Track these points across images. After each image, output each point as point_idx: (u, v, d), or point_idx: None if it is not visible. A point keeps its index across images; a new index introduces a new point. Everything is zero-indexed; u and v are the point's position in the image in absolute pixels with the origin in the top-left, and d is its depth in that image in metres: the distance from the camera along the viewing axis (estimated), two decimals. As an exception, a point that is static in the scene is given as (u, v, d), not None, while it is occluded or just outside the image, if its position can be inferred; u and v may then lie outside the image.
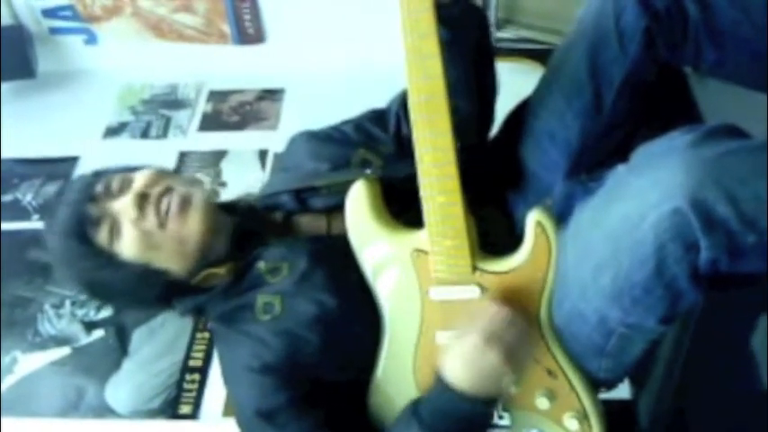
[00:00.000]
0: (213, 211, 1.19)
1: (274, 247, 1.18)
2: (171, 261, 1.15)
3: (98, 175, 1.20)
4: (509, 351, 1.03)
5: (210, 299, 1.18)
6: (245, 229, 1.20)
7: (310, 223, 1.24)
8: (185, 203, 1.15)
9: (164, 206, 1.14)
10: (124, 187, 1.16)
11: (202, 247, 1.16)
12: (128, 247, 1.14)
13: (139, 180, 1.17)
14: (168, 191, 1.15)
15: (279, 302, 1.14)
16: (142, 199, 1.14)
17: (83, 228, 1.14)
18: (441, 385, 1.05)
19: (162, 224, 1.14)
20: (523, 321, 1.06)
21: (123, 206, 1.14)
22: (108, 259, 1.14)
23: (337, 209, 1.15)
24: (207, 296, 1.18)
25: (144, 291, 1.18)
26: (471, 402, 1.04)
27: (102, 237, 1.14)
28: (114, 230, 1.14)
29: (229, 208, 1.25)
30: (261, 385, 1.11)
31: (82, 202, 1.15)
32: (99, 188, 1.16)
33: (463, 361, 1.04)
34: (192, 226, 1.15)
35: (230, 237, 1.18)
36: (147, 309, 1.33)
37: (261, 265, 1.16)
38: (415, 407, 1.10)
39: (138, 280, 1.15)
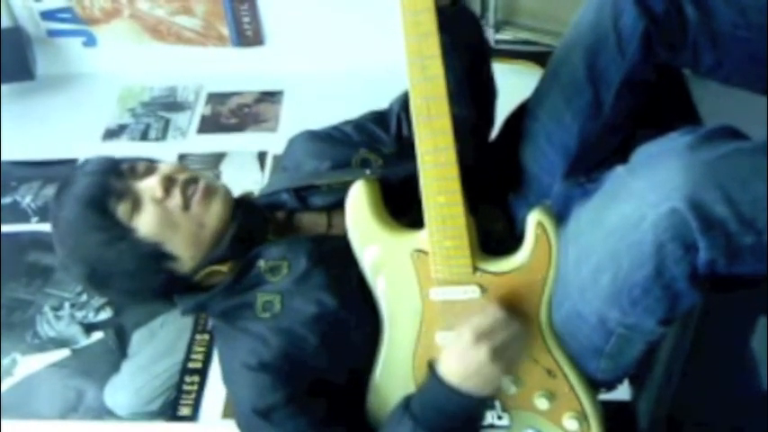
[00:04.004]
0: (232, 203, 1.21)
1: (275, 245, 1.18)
2: (184, 246, 1.15)
3: (120, 159, 1.21)
4: (498, 351, 1.04)
5: (212, 297, 1.19)
6: (246, 228, 1.20)
7: (311, 221, 1.24)
8: (211, 190, 1.17)
9: (189, 191, 1.16)
10: (150, 172, 1.18)
11: (216, 237, 1.17)
12: (146, 222, 1.14)
13: (166, 167, 1.19)
14: (194, 179, 1.17)
15: (278, 301, 1.15)
16: (169, 182, 1.15)
17: (104, 198, 1.14)
18: (433, 379, 1.07)
19: (186, 206, 1.15)
20: (518, 324, 1.07)
21: (149, 186, 1.15)
22: (122, 234, 1.14)
23: (338, 207, 1.16)
24: (208, 294, 1.19)
25: (147, 277, 1.17)
26: (462, 397, 1.05)
27: (122, 210, 1.14)
28: (135, 206, 1.14)
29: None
30: (258, 383, 1.11)
31: (105, 174, 1.16)
32: (125, 166, 1.18)
33: (455, 357, 1.06)
34: (214, 213, 1.17)
35: (232, 235, 1.19)
36: (144, 302, 1.32)
37: (261, 263, 1.17)
38: (406, 402, 1.11)
39: (145, 262, 1.15)
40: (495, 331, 1.05)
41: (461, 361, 1.05)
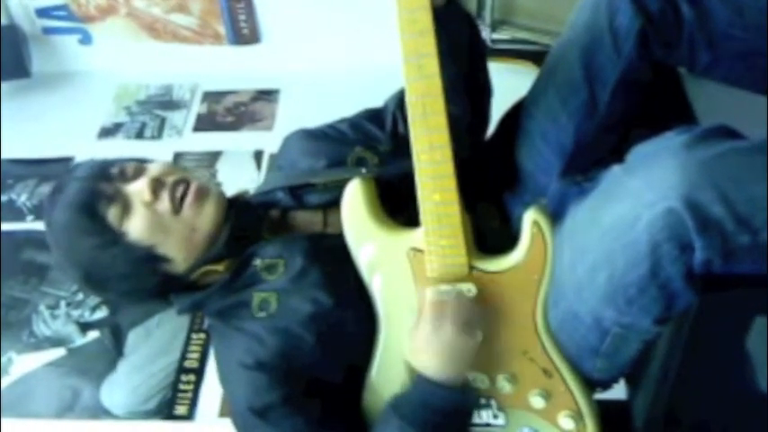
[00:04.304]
0: (225, 204, 1.20)
1: (270, 244, 1.18)
2: (177, 248, 1.15)
3: (109, 161, 1.20)
4: (462, 326, 1.05)
5: (208, 295, 1.18)
6: (241, 226, 1.20)
7: (306, 220, 1.24)
8: (203, 193, 1.17)
9: (178, 193, 1.15)
10: (139, 173, 1.17)
11: (210, 238, 1.17)
12: (137, 227, 1.13)
13: (155, 168, 1.18)
14: (183, 180, 1.17)
15: (275, 300, 1.15)
16: (157, 184, 1.15)
17: (94, 203, 1.14)
18: (415, 376, 1.07)
19: (176, 210, 1.14)
20: (471, 298, 1.08)
21: (137, 189, 1.15)
22: (114, 238, 1.13)
23: (333, 205, 1.16)
24: (204, 293, 1.18)
25: (142, 278, 1.17)
26: (444, 389, 1.05)
27: (112, 214, 1.13)
28: (125, 210, 1.14)
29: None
30: (254, 382, 1.11)
31: (95, 179, 1.16)
32: (114, 170, 1.17)
33: (423, 348, 1.06)
34: (207, 216, 1.16)
35: (228, 233, 1.18)
36: (141, 302, 1.32)
37: (257, 262, 1.17)
38: (394, 401, 1.10)
39: (139, 264, 1.15)
40: (452, 310, 1.06)
41: (429, 348, 1.05)
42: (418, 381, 1.07)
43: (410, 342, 1.09)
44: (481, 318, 1.08)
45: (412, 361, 1.08)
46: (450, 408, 1.07)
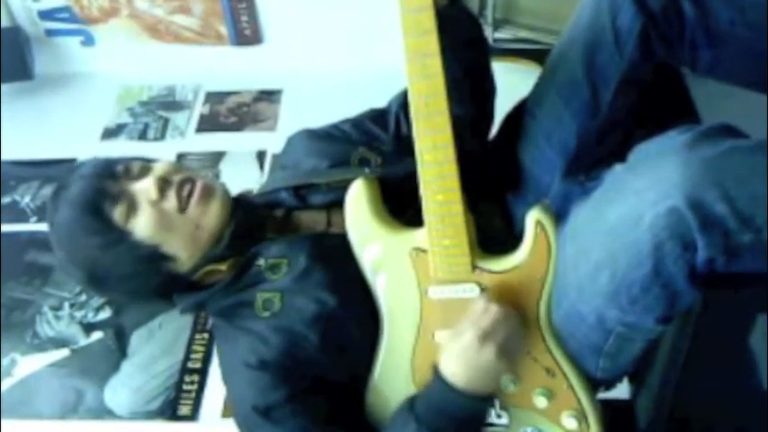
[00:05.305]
0: (230, 203, 1.20)
1: (274, 243, 1.18)
2: (182, 247, 1.15)
3: (113, 160, 1.20)
4: (503, 347, 1.04)
5: (211, 295, 1.18)
6: (245, 226, 1.20)
7: (310, 219, 1.24)
8: (209, 191, 1.17)
9: (185, 192, 1.15)
10: (144, 172, 1.17)
11: (214, 237, 1.17)
12: (143, 225, 1.13)
13: (161, 167, 1.18)
14: (189, 179, 1.17)
15: (278, 299, 1.15)
16: (164, 183, 1.15)
17: (99, 201, 1.13)
18: (438, 382, 1.06)
19: (182, 208, 1.15)
20: (516, 318, 1.07)
21: (144, 187, 1.15)
22: (118, 237, 1.13)
23: (337, 205, 1.16)
24: (207, 293, 1.19)
25: (145, 277, 1.17)
26: (468, 399, 1.05)
27: (117, 213, 1.13)
28: (131, 209, 1.14)
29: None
30: (258, 381, 1.11)
31: (100, 177, 1.15)
32: (119, 168, 1.17)
33: (459, 358, 1.05)
34: (213, 214, 1.16)
35: (232, 233, 1.18)
36: (144, 302, 1.32)
37: (261, 261, 1.17)
38: (411, 404, 1.10)
39: (144, 263, 1.15)
40: (497, 328, 1.05)
41: (469, 362, 1.04)
42: (442, 387, 1.05)
43: (446, 347, 1.07)
44: (520, 343, 1.08)
45: (442, 365, 1.06)
46: (469, 417, 1.07)
